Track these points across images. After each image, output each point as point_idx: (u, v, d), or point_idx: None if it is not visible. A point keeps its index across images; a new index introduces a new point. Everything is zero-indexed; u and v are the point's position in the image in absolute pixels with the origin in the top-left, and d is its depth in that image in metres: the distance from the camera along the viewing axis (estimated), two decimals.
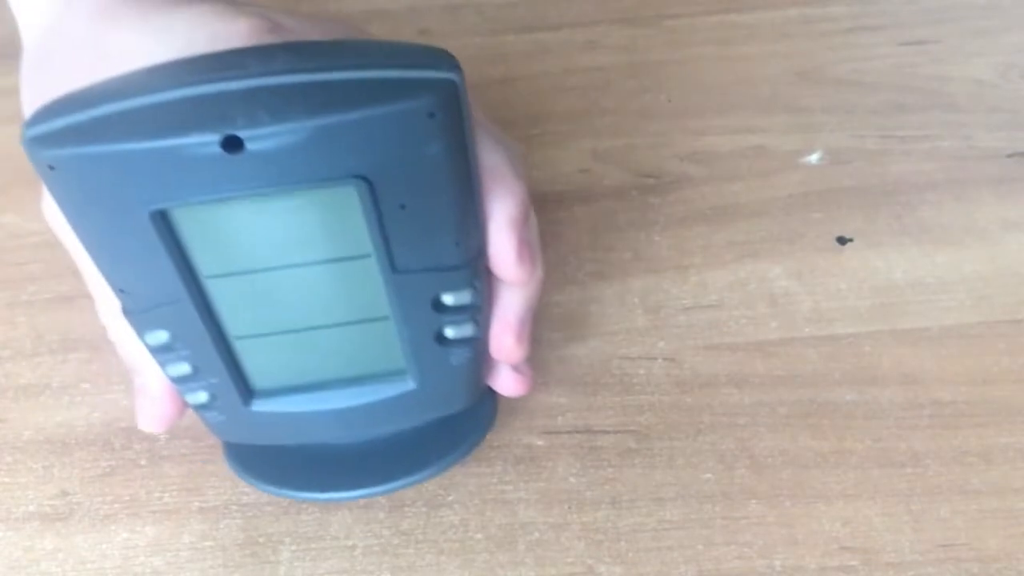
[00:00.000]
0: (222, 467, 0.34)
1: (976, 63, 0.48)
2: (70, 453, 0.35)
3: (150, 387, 0.30)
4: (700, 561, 0.31)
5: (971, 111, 0.45)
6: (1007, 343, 0.37)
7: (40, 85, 0.30)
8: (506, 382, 0.32)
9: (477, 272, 0.27)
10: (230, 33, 0.27)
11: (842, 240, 0.40)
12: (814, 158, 0.44)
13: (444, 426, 0.31)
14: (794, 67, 0.48)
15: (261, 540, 0.32)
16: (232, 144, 0.22)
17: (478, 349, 0.29)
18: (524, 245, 0.28)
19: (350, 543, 0.32)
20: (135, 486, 0.34)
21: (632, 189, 0.43)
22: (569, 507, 0.33)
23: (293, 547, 0.32)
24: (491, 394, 0.33)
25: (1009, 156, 0.43)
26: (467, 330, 0.28)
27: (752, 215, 0.41)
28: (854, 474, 0.33)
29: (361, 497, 0.32)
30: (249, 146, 0.22)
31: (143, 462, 0.35)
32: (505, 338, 0.30)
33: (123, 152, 0.22)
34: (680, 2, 0.52)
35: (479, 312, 0.28)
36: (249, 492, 0.33)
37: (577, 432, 0.35)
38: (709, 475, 0.33)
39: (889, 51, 0.49)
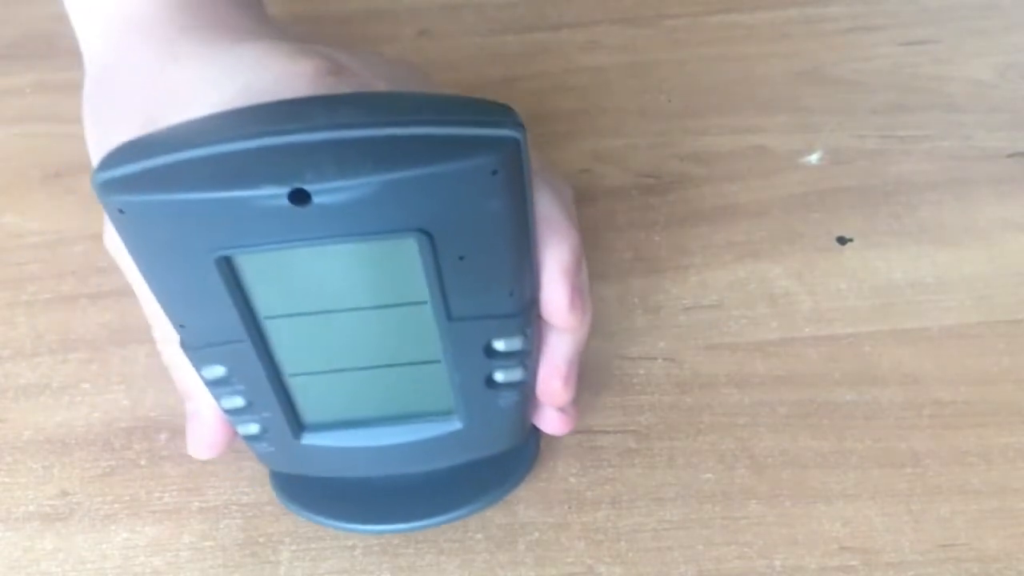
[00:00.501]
0: (222, 467, 0.34)
1: (976, 63, 0.48)
2: (70, 453, 0.35)
3: (203, 414, 0.31)
4: (700, 561, 0.31)
5: (971, 111, 0.45)
6: (1007, 343, 0.37)
7: (103, 116, 0.30)
8: (551, 421, 0.32)
9: (529, 320, 0.28)
10: (294, 74, 0.27)
11: (842, 240, 0.40)
12: (814, 158, 0.44)
13: (487, 464, 0.32)
14: (794, 67, 0.48)
15: (261, 540, 0.32)
16: (300, 197, 0.22)
17: (525, 392, 0.30)
18: (576, 293, 0.28)
19: (350, 543, 0.32)
20: (135, 486, 0.34)
21: (632, 189, 0.43)
22: (569, 507, 0.33)
23: (293, 547, 0.32)
24: (534, 433, 0.33)
25: (1009, 156, 0.43)
26: (516, 374, 0.29)
27: (752, 215, 0.41)
28: (854, 474, 0.33)
29: (404, 531, 0.32)
30: (316, 199, 0.22)
31: (143, 462, 0.35)
32: (553, 382, 0.30)
33: (193, 201, 0.22)
34: (680, 2, 0.52)
35: (528, 357, 0.29)
36: (249, 492, 0.33)
37: (577, 432, 0.35)
38: (709, 475, 0.33)
39: (889, 51, 0.49)
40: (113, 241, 0.29)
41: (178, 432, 0.35)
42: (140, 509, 0.33)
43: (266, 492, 0.33)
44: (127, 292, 0.40)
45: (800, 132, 0.45)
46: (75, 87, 0.49)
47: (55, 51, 0.51)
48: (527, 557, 0.32)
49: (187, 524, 0.33)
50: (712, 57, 0.49)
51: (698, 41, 0.50)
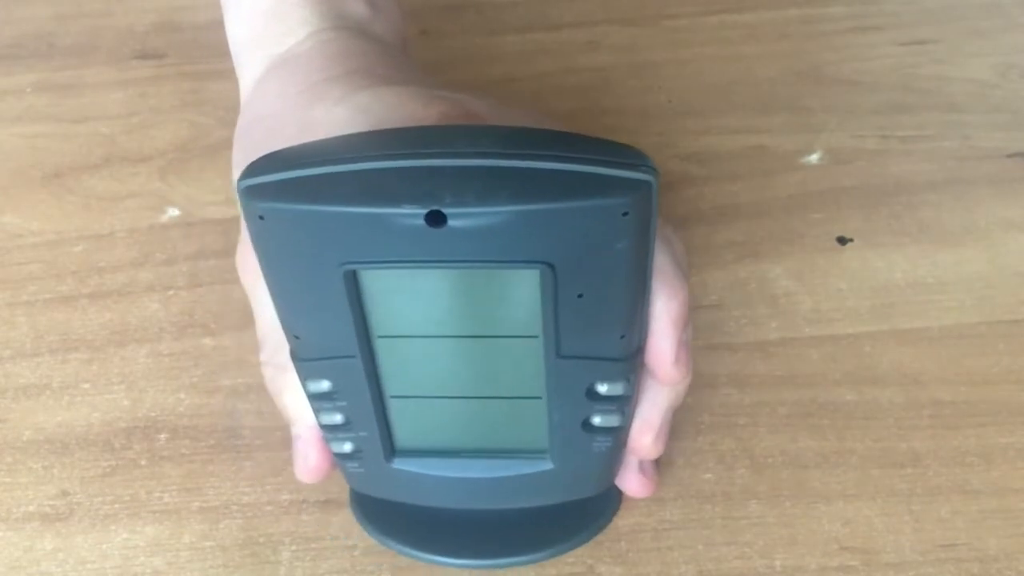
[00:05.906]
0: (222, 467, 0.34)
1: (976, 63, 0.48)
2: (70, 453, 0.35)
3: (307, 438, 0.31)
4: (700, 561, 0.31)
5: (971, 111, 0.45)
6: (1007, 343, 0.37)
7: (247, 142, 0.33)
8: (632, 483, 0.32)
9: (634, 367, 0.28)
10: (424, 117, 0.28)
11: (842, 240, 0.40)
12: (814, 158, 0.44)
13: (570, 508, 0.32)
14: (794, 67, 0.48)
15: (261, 540, 0.32)
16: (436, 219, 0.23)
17: (619, 439, 0.30)
18: (683, 347, 0.29)
19: (350, 543, 0.32)
20: (135, 486, 0.34)
21: None
22: None
23: (293, 547, 0.32)
24: (616, 486, 0.33)
25: (1009, 156, 0.43)
26: (614, 420, 0.29)
27: (752, 215, 0.41)
28: (854, 474, 0.33)
29: (478, 567, 0.31)
30: (451, 222, 0.23)
31: (143, 462, 0.35)
32: (645, 436, 0.30)
33: (332, 213, 0.23)
34: (680, 2, 0.52)
35: (628, 404, 0.29)
36: (249, 492, 0.33)
37: None
38: (709, 475, 0.33)
39: (889, 51, 0.49)
40: (243, 259, 0.30)
41: (178, 432, 0.35)
42: (140, 509, 0.33)
43: (266, 492, 0.33)
44: (127, 292, 0.40)
45: (800, 132, 0.45)
46: (75, 87, 0.50)
47: (55, 51, 0.51)
48: None
49: (187, 524, 0.33)
50: (712, 57, 0.49)
51: (698, 41, 0.50)
